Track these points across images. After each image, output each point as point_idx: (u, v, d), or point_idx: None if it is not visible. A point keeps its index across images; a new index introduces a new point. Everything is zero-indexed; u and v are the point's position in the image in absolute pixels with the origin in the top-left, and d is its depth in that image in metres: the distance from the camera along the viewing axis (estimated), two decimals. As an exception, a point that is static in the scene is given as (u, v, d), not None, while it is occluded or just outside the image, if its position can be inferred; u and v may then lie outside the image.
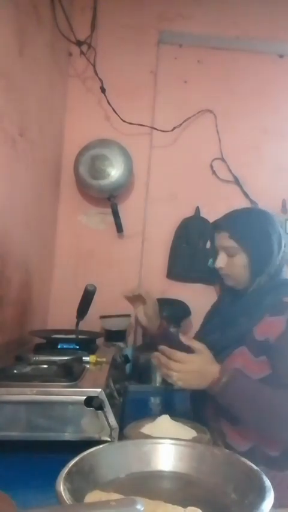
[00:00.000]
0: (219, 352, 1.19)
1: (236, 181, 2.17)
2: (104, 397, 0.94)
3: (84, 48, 2.06)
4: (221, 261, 1.25)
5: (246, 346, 1.17)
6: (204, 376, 1.08)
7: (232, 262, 1.24)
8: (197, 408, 1.30)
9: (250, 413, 1.07)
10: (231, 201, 2.17)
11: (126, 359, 1.66)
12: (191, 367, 1.07)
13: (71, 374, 1.03)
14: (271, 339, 1.13)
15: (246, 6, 2.19)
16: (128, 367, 1.71)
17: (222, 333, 1.25)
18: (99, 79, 2.03)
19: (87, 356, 1.24)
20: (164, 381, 1.71)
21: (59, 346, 1.42)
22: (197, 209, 2.15)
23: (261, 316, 1.18)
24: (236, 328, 1.21)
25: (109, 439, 0.92)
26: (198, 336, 1.33)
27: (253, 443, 1.15)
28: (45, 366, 1.17)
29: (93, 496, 0.66)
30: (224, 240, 1.24)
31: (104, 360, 1.25)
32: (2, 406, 0.93)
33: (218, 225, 1.28)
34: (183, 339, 1.13)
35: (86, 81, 2.13)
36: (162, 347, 1.11)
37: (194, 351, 1.11)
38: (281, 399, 1.06)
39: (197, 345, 1.11)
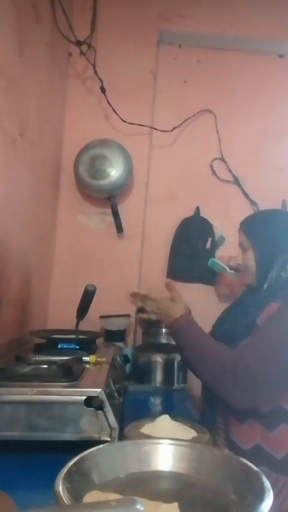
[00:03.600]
0: (230, 342, 1.22)
1: (236, 181, 2.17)
2: (104, 397, 0.94)
3: (84, 48, 2.06)
4: (239, 257, 1.34)
5: (252, 335, 1.19)
6: (168, 317, 1.32)
7: (245, 257, 1.31)
8: (207, 403, 1.33)
9: (193, 354, 1.23)
10: (231, 201, 2.18)
11: (126, 359, 1.66)
12: (160, 305, 1.36)
13: (71, 374, 1.03)
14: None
15: (246, 6, 2.19)
16: (128, 367, 1.71)
17: (232, 323, 1.29)
18: (99, 79, 2.03)
19: (87, 356, 1.24)
20: (164, 381, 1.73)
21: (59, 346, 1.42)
22: (197, 209, 2.15)
23: (268, 305, 1.20)
24: (245, 318, 1.24)
25: (109, 439, 0.92)
26: (213, 328, 1.39)
27: (257, 442, 1.16)
28: (45, 366, 1.17)
29: (92, 496, 0.66)
30: (240, 236, 1.34)
31: (104, 360, 1.25)
32: (2, 406, 0.93)
33: (239, 225, 1.36)
34: (166, 283, 1.41)
35: (86, 81, 2.13)
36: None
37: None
38: (216, 349, 1.19)
39: (173, 293, 1.37)
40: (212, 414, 1.26)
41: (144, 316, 1.48)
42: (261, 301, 1.23)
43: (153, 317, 1.39)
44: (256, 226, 1.32)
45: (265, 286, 1.27)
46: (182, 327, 1.27)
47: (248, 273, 1.32)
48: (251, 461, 1.11)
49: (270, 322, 1.16)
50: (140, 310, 1.60)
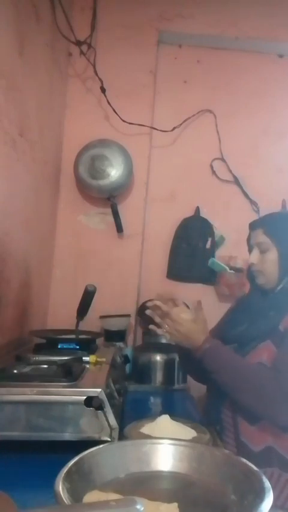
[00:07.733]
0: (245, 345, 1.22)
1: (236, 181, 2.17)
2: (104, 397, 0.94)
3: (84, 48, 2.05)
4: (254, 257, 1.28)
5: (271, 339, 1.19)
6: (189, 340, 1.22)
7: (264, 258, 1.27)
8: (213, 404, 1.31)
9: (225, 379, 1.17)
10: (231, 201, 2.18)
11: (126, 359, 1.66)
12: (181, 328, 1.23)
13: (70, 374, 1.03)
14: None
15: (246, 6, 2.19)
16: (128, 367, 1.71)
17: (249, 325, 1.26)
18: (99, 79, 2.03)
19: (87, 356, 1.24)
20: (164, 381, 1.73)
21: (59, 346, 1.42)
22: (197, 209, 2.15)
23: None
24: (264, 322, 1.23)
25: (109, 439, 0.92)
26: (223, 328, 1.35)
27: (268, 444, 1.15)
28: (45, 366, 1.17)
29: (92, 496, 0.66)
30: (258, 236, 1.28)
31: (104, 360, 1.25)
32: (2, 406, 0.93)
33: (254, 224, 1.32)
34: (197, 302, 1.26)
35: (86, 81, 2.13)
36: (166, 300, 1.28)
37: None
38: (255, 371, 1.15)
39: (199, 314, 1.24)
40: (217, 415, 1.24)
41: (154, 330, 1.29)
42: (281, 305, 1.22)
43: (166, 337, 1.28)
44: (280, 227, 1.28)
45: (278, 288, 1.26)
46: (210, 352, 1.19)
47: (262, 274, 1.28)
48: (261, 462, 1.11)
49: None
50: (149, 320, 1.34)
